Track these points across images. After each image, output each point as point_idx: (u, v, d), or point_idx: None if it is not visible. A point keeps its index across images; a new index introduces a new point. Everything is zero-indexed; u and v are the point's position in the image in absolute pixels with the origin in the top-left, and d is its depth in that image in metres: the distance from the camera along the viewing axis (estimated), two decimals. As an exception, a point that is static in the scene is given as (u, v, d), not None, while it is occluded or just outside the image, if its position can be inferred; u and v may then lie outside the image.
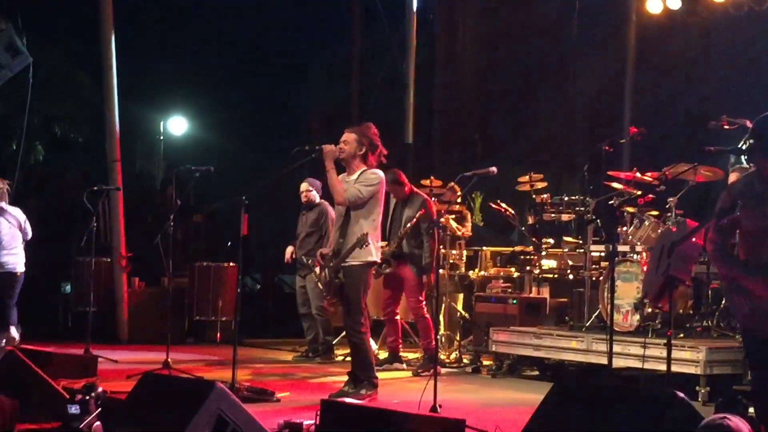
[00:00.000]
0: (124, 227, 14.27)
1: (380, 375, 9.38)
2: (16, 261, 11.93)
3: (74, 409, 5.57)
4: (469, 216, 12.95)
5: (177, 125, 22.24)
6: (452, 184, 11.84)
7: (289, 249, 12.57)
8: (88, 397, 5.58)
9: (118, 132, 14.32)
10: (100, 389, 5.63)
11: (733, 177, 10.37)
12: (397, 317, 11.65)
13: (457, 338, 12.27)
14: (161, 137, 21.84)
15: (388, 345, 11.76)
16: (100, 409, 5.68)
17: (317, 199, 12.30)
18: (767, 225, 5.94)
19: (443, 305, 12.13)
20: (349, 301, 8.93)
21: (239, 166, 17.14)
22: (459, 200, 12.57)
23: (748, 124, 9.58)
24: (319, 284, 9.53)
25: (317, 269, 9.51)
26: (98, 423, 5.52)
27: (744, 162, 10.06)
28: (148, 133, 22.16)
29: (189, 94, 21.10)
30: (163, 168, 21.64)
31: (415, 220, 11.19)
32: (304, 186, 12.35)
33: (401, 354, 11.82)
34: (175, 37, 19.86)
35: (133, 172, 20.14)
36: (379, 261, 9.36)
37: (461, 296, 12.80)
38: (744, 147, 6.36)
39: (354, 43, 18.77)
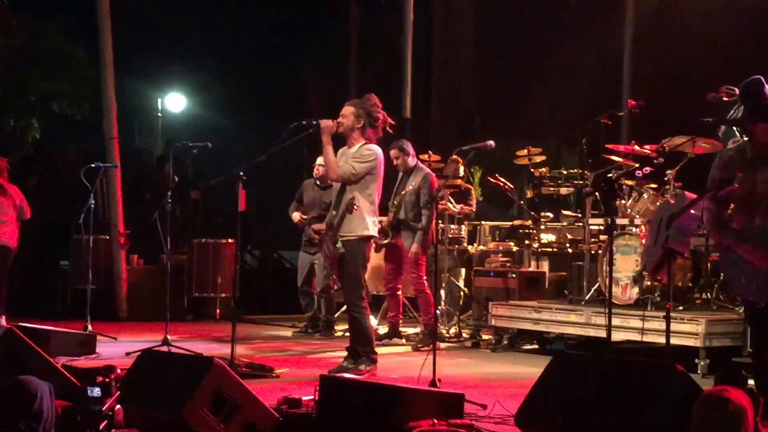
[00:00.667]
0: (122, 204, 14.24)
1: (379, 350, 9.37)
2: (12, 237, 11.95)
3: (95, 392, 5.42)
4: (473, 192, 12.89)
5: (175, 102, 22.21)
6: (454, 156, 11.79)
7: (297, 214, 12.47)
8: (108, 379, 5.45)
9: (116, 109, 14.27)
10: (119, 371, 5.50)
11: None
12: (399, 292, 11.62)
13: (457, 313, 12.27)
14: (159, 114, 21.80)
15: (388, 320, 11.76)
16: (119, 392, 5.56)
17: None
18: (757, 191, 5.96)
19: (444, 281, 12.13)
20: (348, 275, 8.91)
21: (237, 143, 17.15)
22: (461, 173, 12.49)
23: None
24: (321, 259, 9.51)
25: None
26: (119, 406, 5.38)
27: (737, 135, 10.05)
28: (146, 111, 22.13)
29: (187, 71, 21.10)
30: (161, 145, 21.61)
31: (411, 188, 11.16)
32: (319, 160, 12.18)
33: (401, 329, 11.81)
34: (173, 16, 19.82)
35: (132, 149, 20.14)
36: (376, 235, 9.33)
37: (463, 271, 12.78)
38: (737, 115, 6.36)
39: (352, 18, 18.72)
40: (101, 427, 5.29)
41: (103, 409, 5.27)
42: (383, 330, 11.80)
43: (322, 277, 11.96)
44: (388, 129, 9.14)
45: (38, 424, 5.12)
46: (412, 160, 11.45)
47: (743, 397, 4.66)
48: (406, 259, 11.36)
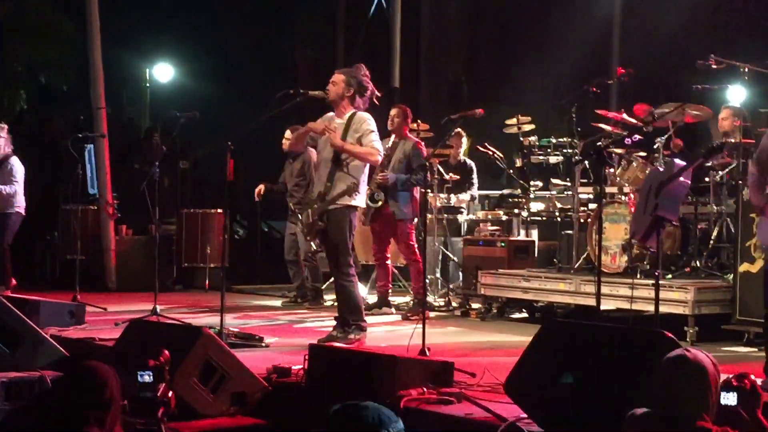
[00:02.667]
0: (110, 175, 14.19)
1: (369, 319, 9.37)
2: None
3: (147, 377, 5.15)
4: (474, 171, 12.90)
5: (163, 72, 22.10)
6: (458, 129, 11.79)
7: (260, 187, 12.53)
8: (158, 363, 5.22)
9: (103, 79, 14.21)
10: (167, 353, 5.25)
11: (723, 114, 10.36)
12: (387, 261, 11.61)
13: (442, 281, 12.29)
14: (147, 85, 21.72)
15: (377, 289, 11.74)
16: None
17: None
18: None
19: (436, 248, 12.13)
20: (336, 244, 8.89)
21: (225, 112, 17.08)
22: (463, 147, 12.48)
23: (737, 63, 9.54)
24: (300, 225, 9.51)
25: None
26: (171, 392, 5.14)
27: (730, 101, 10.04)
28: (134, 81, 22.04)
29: (175, 41, 21.00)
30: (149, 115, 21.54)
31: (401, 156, 11.13)
32: (288, 134, 12.26)
33: (390, 299, 11.81)
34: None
35: (119, 120, 20.05)
36: (363, 206, 9.34)
37: (453, 239, 12.76)
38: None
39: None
40: (160, 414, 5.02)
41: (158, 395, 5.03)
42: (372, 299, 11.80)
43: (304, 243, 11.97)
44: (375, 101, 9.13)
45: (107, 413, 4.66)
46: (406, 130, 11.42)
47: (705, 357, 4.65)
48: (395, 227, 11.32)
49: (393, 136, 11.40)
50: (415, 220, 11.42)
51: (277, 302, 12.71)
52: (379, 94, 9.18)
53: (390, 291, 11.80)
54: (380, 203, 11.12)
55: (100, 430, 4.61)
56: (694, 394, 4.56)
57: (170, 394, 5.02)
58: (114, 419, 4.74)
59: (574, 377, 5.48)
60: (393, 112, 11.43)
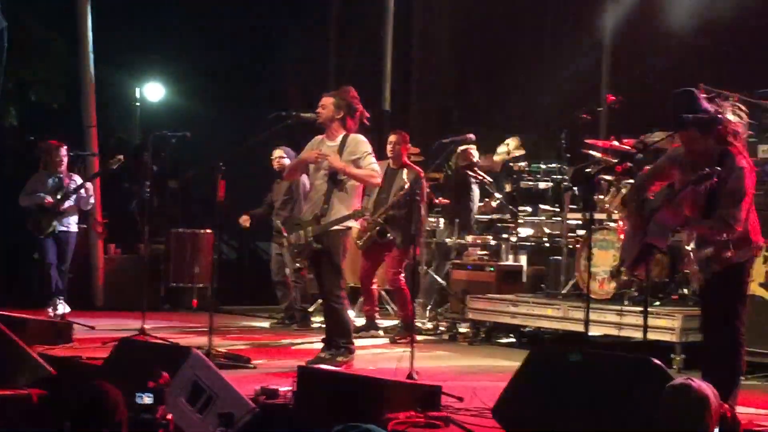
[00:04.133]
0: (100, 193, 14.18)
1: (357, 342, 9.36)
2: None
3: (145, 399, 5.15)
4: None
5: (153, 91, 22.09)
6: (466, 147, 11.77)
7: (245, 217, 12.57)
8: (158, 384, 5.21)
9: (94, 98, 14.22)
10: (166, 375, 5.25)
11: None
12: (374, 286, 11.59)
13: (428, 306, 12.30)
14: (137, 103, 21.70)
15: (364, 312, 11.74)
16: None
17: None
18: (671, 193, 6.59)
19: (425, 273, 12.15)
20: (329, 266, 8.88)
21: (216, 133, 17.03)
22: (475, 160, 12.43)
23: (726, 93, 9.59)
24: (285, 245, 9.51)
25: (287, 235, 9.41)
26: (171, 414, 5.14)
27: (741, 133, 10.08)
28: (124, 100, 22.01)
29: (166, 60, 20.96)
30: (139, 134, 21.50)
31: (403, 186, 11.07)
32: (277, 153, 12.30)
33: (377, 322, 11.80)
34: (152, 3, 19.72)
35: (110, 139, 20.03)
36: (357, 226, 9.35)
37: (441, 264, 12.76)
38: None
39: (331, 9, 18.68)
40: None
41: (157, 416, 5.02)
42: (361, 321, 11.80)
43: (291, 262, 11.97)
44: (365, 121, 9.15)
45: None
46: (403, 156, 11.39)
47: (707, 387, 4.68)
48: (390, 254, 11.30)
49: (390, 162, 11.37)
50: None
51: (265, 323, 12.72)
52: (368, 115, 9.20)
53: (377, 314, 11.79)
54: (390, 237, 11.08)
55: None
56: (696, 424, 4.58)
57: (169, 416, 5.00)
58: None
59: (562, 403, 5.49)
60: (392, 138, 11.40)
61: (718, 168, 6.31)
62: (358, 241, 11.25)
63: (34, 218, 12.24)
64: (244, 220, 12.60)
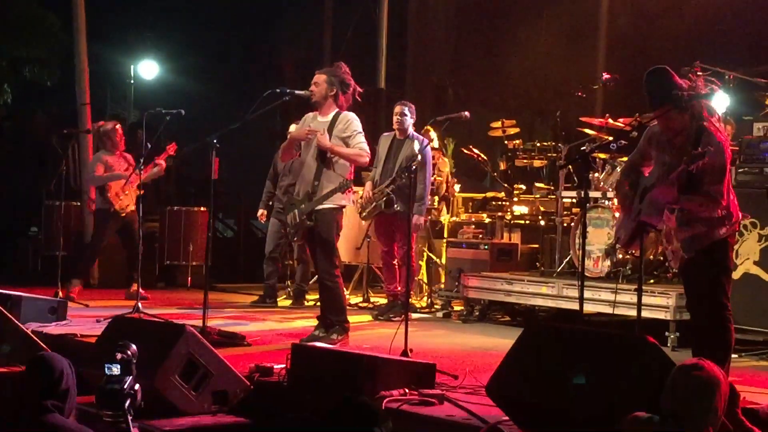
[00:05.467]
0: (93, 171, 14.15)
1: (350, 320, 9.35)
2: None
3: (114, 370, 5.21)
4: (445, 163, 12.76)
5: (148, 69, 22.05)
6: (427, 127, 11.67)
7: (261, 212, 12.45)
8: (125, 356, 5.27)
9: (88, 75, 14.18)
10: (134, 347, 5.32)
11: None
12: (394, 261, 11.29)
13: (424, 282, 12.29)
14: (132, 81, 21.65)
15: (387, 291, 11.42)
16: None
17: None
18: (661, 172, 6.58)
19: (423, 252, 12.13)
20: (323, 244, 8.88)
21: (210, 110, 17.05)
22: (434, 145, 12.38)
23: (721, 70, 9.58)
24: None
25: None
26: (138, 385, 5.21)
27: (715, 109, 10.04)
28: (118, 78, 21.96)
29: (160, 38, 20.92)
30: (134, 112, 21.46)
31: (407, 156, 10.91)
32: (292, 127, 12.09)
33: (372, 299, 11.78)
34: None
35: (104, 116, 19.99)
36: (351, 204, 9.31)
37: (434, 242, 12.74)
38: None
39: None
40: (126, 406, 5.11)
41: (124, 387, 5.09)
42: (355, 299, 11.77)
43: (297, 245, 11.93)
44: (358, 97, 9.12)
45: (64, 403, 4.96)
46: (412, 127, 11.25)
47: (717, 370, 4.69)
48: (398, 227, 11.09)
49: (396, 133, 11.20)
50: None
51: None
52: (360, 91, 9.17)
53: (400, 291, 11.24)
54: (397, 208, 10.93)
55: (61, 417, 4.85)
56: (706, 406, 4.59)
57: (137, 387, 5.08)
58: (70, 408, 4.99)
59: (556, 381, 5.49)
60: (397, 109, 11.14)
61: (710, 147, 6.32)
62: (362, 212, 11.19)
63: (104, 197, 12.19)
64: (261, 215, 12.49)
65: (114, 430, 5.01)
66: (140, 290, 10.75)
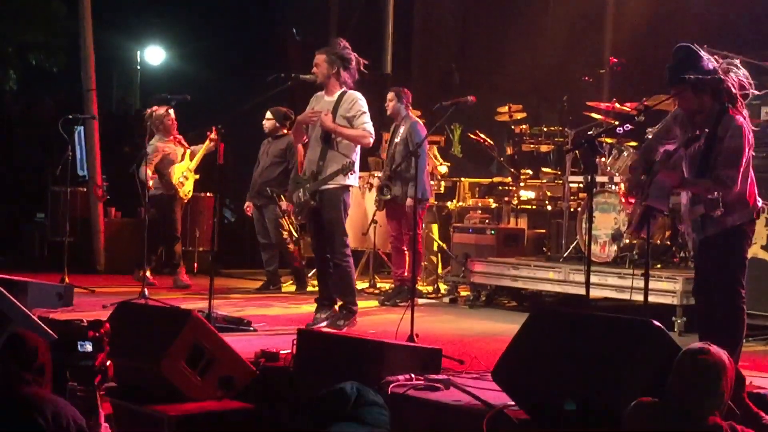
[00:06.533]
0: (100, 157, 14.15)
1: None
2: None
3: (86, 347, 5.36)
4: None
5: (154, 55, 22.07)
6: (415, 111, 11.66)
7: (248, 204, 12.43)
8: (98, 334, 5.40)
9: (94, 61, 14.17)
10: (107, 325, 5.48)
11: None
12: (404, 247, 11.22)
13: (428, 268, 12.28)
14: (138, 67, 21.68)
15: (396, 277, 11.36)
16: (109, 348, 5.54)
17: (278, 130, 12.09)
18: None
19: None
20: (330, 223, 8.84)
21: (216, 96, 17.02)
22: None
23: (729, 54, 9.53)
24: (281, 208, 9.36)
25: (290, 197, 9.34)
26: (110, 362, 5.36)
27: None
28: (124, 63, 21.99)
29: (166, 24, 20.93)
30: (140, 98, 21.49)
31: (400, 138, 10.95)
32: (268, 115, 12.14)
33: (379, 284, 11.77)
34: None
35: (110, 102, 20.02)
36: (356, 185, 9.27)
37: (435, 227, 12.69)
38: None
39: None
40: (96, 381, 5.26)
41: (96, 364, 5.23)
42: (361, 285, 11.75)
43: (273, 227, 11.95)
44: (363, 69, 9.06)
45: (42, 376, 5.09)
46: (404, 109, 11.23)
47: (723, 354, 4.67)
48: (402, 213, 11.05)
49: (393, 124, 11.28)
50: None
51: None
52: (365, 62, 9.11)
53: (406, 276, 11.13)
54: (389, 196, 10.97)
55: (38, 388, 5.01)
56: (712, 390, 4.58)
57: (108, 363, 5.21)
58: (45, 382, 5.11)
59: (562, 366, 5.47)
60: (389, 95, 11.29)
61: (706, 130, 6.30)
62: (376, 203, 11.25)
63: (168, 182, 12.19)
64: (248, 208, 12.47)
65: (86, 405, 5.20)
66: (150, 276, 10.77)
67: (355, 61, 8.93)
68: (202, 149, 12.16)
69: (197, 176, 12.07)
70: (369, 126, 8.82)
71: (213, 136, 11.93)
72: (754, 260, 8.64)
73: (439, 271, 12.51)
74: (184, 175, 12.19)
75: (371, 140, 8.94)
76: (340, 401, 5.74)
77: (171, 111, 12.04)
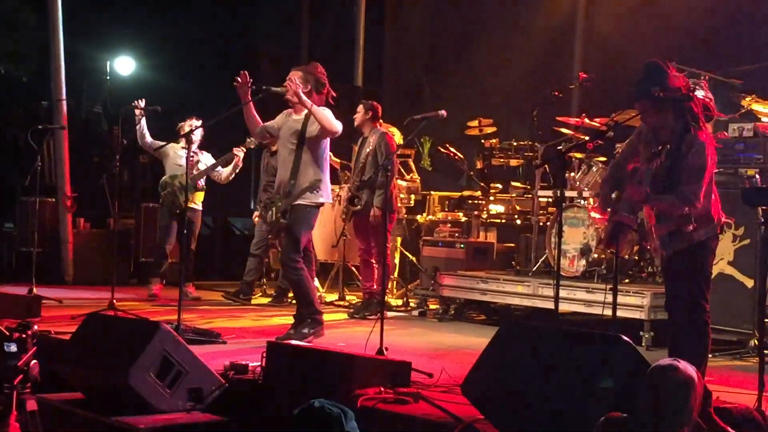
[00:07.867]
0: (69, 167, 14.09)
1: (326, 317, 9.31)
2: None
3: (11, 348, 5.49)
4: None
5: (124, 65, 22.00)
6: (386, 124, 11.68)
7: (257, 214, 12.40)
8: (24, 335, 5.50)
9: (64, 71, 14.11)
10: (36, 327, 5.57)
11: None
12: (372, 260, 11.26)
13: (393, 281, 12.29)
14: (108, 77, 21.59)
15: (365, 290, 11.34)
16: (35, 348, 5.62)
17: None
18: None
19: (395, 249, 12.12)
20: (289, 236, 8.84)
21: (186, 107, 16.97)
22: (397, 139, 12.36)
23: (696, 71, 9.61)
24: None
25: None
26: (35, 361, 5.46)
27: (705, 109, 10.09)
28: (94, 73, 21.90)
29: (136, 34, 20.86)
30: (110, 108, 21.39)
31: (370, 149, 11.02)
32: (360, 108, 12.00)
33: (348, 297, 11.76)
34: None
35: (79, 112, 19.94)
36: (329, 201, 9.29)
37: (399, 239, 12.68)
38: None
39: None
40: (16, 382, 5.36)
41: (19, 364, 5.32)
42: (330, 297, 11.74)
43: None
44: (331, 100, 9.08)
45: None
46: (371, 122, 11.25)
47: (691, 369, 4.71)
48: (371, 223, 11.06)
49: (360, 139, 11.34)
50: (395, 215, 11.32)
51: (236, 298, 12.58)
52: (334, 94, 9.13)
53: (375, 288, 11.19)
54: (359, 207, 11.00)
55: None
56: (681, 406, 4.61)
57: (33, 363, 5.32)
58: None
59: (531, 379, 5.49)
60: (359, 108, 11.35)
61: (668, 146, 6.36)
62: (343, 216, 11.27)
63: (170, 191, 12.13)
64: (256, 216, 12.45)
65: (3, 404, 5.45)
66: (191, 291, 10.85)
67: (327, 88, 8.95)
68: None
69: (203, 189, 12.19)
70: (335, 124, 8.81)
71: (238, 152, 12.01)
72: (720, 276, 8.72)
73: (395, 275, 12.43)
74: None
75: (338, 130, 8.85)
76: (326, 423, 5.73)
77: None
